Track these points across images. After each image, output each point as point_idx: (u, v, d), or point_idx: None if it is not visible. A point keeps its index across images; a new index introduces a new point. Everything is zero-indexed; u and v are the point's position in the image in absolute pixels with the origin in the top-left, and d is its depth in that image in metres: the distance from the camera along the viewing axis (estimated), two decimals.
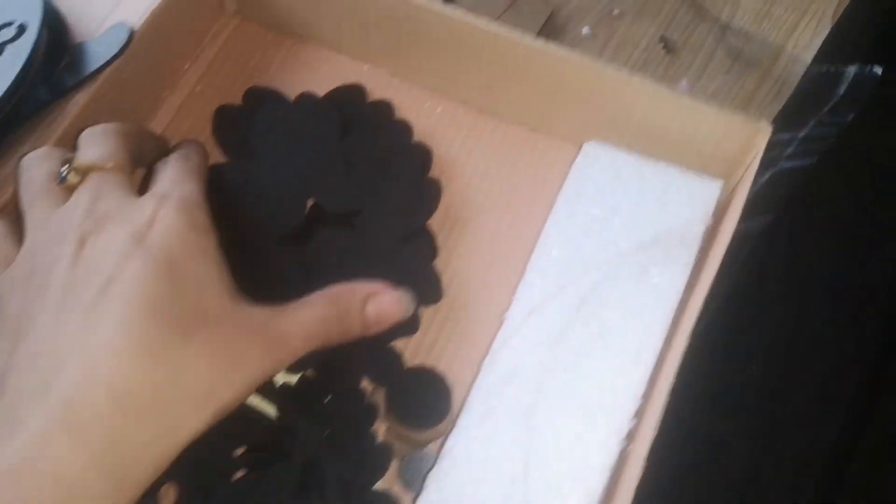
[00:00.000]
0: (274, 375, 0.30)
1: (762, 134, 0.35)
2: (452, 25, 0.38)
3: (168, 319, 0.25)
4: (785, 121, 0.47)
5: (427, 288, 0.37)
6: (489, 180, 0.41)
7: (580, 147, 0.40)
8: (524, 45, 0.37)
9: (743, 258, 0.41)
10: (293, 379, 0.34)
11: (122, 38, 0.39)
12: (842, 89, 0.47)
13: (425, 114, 0.43)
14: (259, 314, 0.28)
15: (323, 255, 0.36)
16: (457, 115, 0.43)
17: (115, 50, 0.38)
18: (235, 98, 0.43)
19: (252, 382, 0.27)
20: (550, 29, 0.50)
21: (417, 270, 0.38)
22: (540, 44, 0.37)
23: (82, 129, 0.33)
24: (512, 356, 0.35)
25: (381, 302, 0.31)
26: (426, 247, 0.38)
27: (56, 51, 0.39)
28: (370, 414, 0.35)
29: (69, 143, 0.37)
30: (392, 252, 0.37)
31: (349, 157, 0.39)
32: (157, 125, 0.42)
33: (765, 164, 0.44)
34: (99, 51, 0.39)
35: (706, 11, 0.50)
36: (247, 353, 0.27)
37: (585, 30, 0.50)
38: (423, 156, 0.41)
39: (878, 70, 0.46)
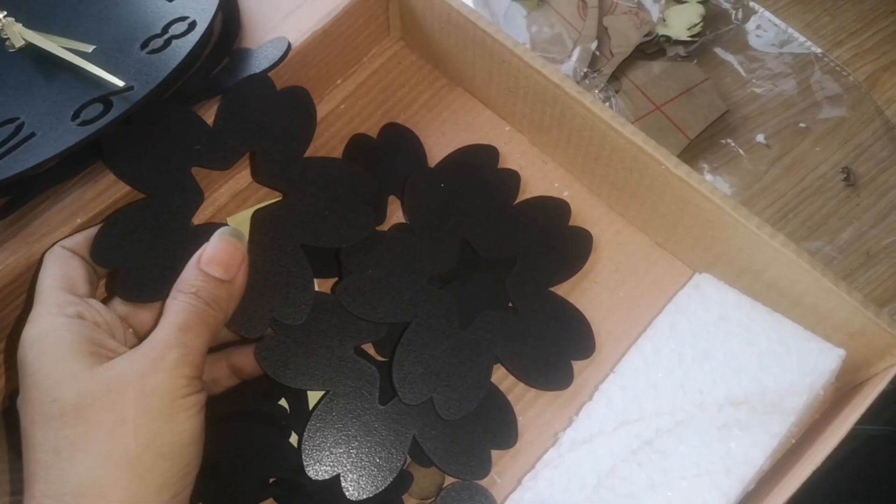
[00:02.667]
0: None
1: None
2: (595, 123, 0.36)
3: None
4: None
5: (581, 338, 0.37)
6: (595, 281, 0.39)
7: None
8: (665, 166, 0.34)
9: (856, 459, 0.36)
10: None
11: (280, 50, 0.40)
12: None
13: (552, 192, 0.41)
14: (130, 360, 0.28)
15: (471, 298, 0.37)
16: (584, 202, 0.41)
17: (271, 61, 0.39)
18: (374, 122, 0.43)
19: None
20: (722, 126, 0.46)
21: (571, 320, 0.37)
22: (682, 170, 0.34)
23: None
24: (547, 486, 0.33)
25: (209, 252, 0.31)
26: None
27: (219, 52, 0.41)
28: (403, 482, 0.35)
29: None
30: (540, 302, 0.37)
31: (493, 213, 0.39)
32: None
33: None
34: (257, 59, 0.40)
35: None
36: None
37: (760, 137, 0.45)
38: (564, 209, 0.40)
39: None
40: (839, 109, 0.45)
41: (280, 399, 0.37)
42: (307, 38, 0.40)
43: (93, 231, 0.34)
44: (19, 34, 0.39)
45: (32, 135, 0.36)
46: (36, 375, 0.28)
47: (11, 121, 0.37)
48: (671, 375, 0.34)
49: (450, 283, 0.37)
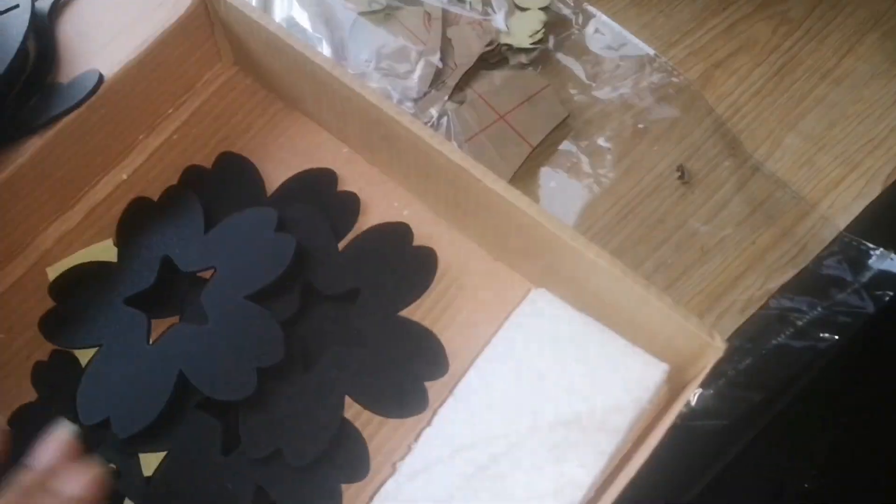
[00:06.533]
0: None
1: (713, 351, 0.31)
2: (417, 142, 0.35)
3: None
4: (798, 290, 0.42)
5: (433, 358, 0.37)
6: (439, 299, 0.39)
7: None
8: (483, 182, 0.34)
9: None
10: None
11: (91, 82, 0.38)
12: (866, 276, 0.41)
13: (392, 212, 0.40)
14: None
15: (320, 333, 0.37)
16: (424, 220, 0.40)
17: (83, 94, 0.38)
18: (209, 151, 0.42)
19: None
20: (566, 132, 0.46)
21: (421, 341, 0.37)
22: (499, 186, 0.34)
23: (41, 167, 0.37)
24: None
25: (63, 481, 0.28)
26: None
27: (28, 89, 0.39)
28: None
29: (24, 181, 0.37)
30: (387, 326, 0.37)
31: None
32: (126, 169, 0.42)
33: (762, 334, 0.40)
34: (69, 93, 0.38)
35: (738, 146, 0.45)
36: None
37: (602, 140, 0.46)
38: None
39: None
40: (672, 109, 0.46)
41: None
42: (122, 68, 0.38)
43: None
44: None
45: None
46: None
47: None
48: (507, 396, 0.34)
49: (293, 324, 0.37)
